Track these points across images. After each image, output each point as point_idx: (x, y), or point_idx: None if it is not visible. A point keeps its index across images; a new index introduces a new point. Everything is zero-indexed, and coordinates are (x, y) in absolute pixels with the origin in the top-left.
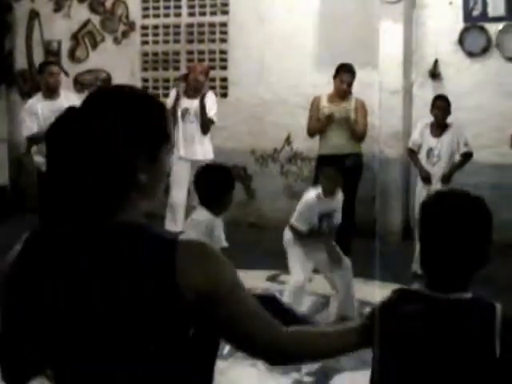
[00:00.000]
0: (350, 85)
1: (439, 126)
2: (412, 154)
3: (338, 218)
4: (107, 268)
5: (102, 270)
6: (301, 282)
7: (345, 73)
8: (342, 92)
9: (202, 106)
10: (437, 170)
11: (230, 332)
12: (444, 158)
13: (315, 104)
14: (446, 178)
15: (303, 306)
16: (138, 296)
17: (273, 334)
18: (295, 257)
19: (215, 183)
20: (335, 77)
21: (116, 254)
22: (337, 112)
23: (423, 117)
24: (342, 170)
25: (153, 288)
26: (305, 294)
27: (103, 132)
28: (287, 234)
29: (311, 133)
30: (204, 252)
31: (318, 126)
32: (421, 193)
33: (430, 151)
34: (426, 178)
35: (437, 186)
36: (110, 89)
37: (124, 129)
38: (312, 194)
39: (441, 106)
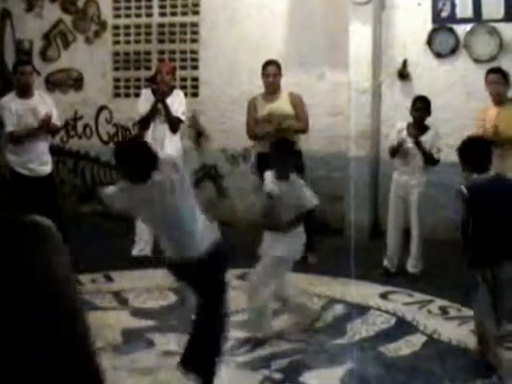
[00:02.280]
0: (275, 76)
1: (418, 127)
2: (392, 151)
3: (290, 203)
4: None
5: None
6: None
7: (268, 66)
8: (270, 86)
9: (166, 107)
10: (409, 170)
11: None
12: (419, 159)
13: (252, 105)
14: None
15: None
16: None
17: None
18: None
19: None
20: (262, 75)
21: None
22: (274, 110)
23: (396, 120)
24: None
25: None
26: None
27: None
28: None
29: (251, 135)
30: (48, 234)
31: (260, 130)
32: (394, 190)
33: (405, 151)
34: (393, 152)
35: (411, 181)
36: None
37: None
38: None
39: (420, 107)
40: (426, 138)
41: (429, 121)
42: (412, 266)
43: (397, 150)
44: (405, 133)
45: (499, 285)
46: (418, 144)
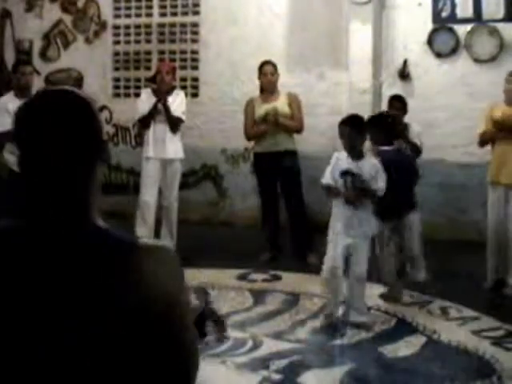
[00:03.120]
0: (272, 75)
1: (397, 126)
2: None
3: (368, 181)
4: (80, 277)
5: (74, 278)
6: (329, 268)
7: (264, 65)
8: (267, 85)
9: (165, 106)
10: None
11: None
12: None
13: (250, 107)
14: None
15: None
16: (108, 307)
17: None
18: (330, 237)
19: None
20: (259, 75)
21: (86, 262)
22: (271, 110)
23: None
24: (281, 169)
25: (118, 290)
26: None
27: (73, 129)
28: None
29: (250, 137)
30: (171, 257)
31: (257, 129)
32: None
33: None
34: None
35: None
36: (65, 90)
37: (89, 126)
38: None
39: (397, 106)
40: (409, 134)
41: (429, 120)
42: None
43: None
44: None
45: (402, 231)
46: (406, 140)
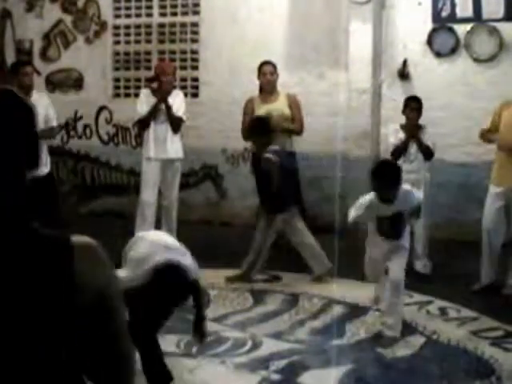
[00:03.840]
0: (272, 75)
1: (412, 127)
2: (397, 152)
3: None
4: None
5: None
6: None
7: (264, 65)
8: (267, 84)
9: (168, 106)
10: (415, 167)
11: (107, 347)
12: (420, 157)
13: (249, 107)
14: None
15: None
16: (37, 299)
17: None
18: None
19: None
20: (259, 75)
21: (13, 257)
22: (272, 111)
23: (391, 122)
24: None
25: (52, 290)
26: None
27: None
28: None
29: (247, 136)
30: (99, 254)
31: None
32: None
33: (409, 150)
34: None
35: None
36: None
37: (29, 123)
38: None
39: (414, 107)
40: (423, 136)
41: (428, 120)
42: (422, 266)
43: (401, 152)
44: (401, 133)
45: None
46: (419, 142)
